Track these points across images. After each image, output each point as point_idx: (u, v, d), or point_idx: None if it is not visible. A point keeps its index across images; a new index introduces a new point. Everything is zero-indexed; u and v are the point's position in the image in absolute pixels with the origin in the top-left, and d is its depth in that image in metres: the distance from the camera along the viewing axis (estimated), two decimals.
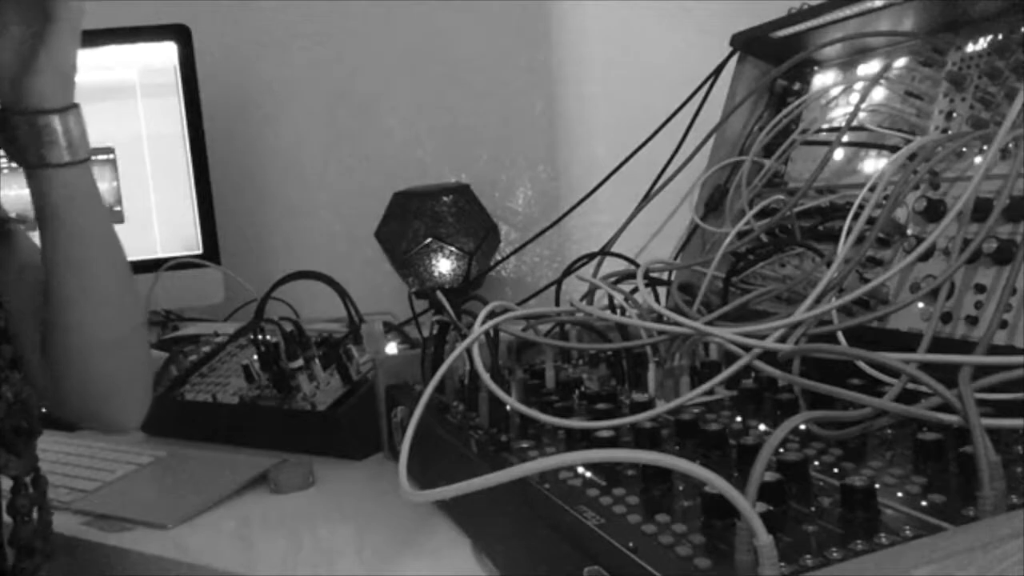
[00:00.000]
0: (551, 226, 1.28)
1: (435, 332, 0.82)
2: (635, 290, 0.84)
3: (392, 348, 1.00)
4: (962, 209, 0.67)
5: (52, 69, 0.67)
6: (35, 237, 0.73)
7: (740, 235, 0.90)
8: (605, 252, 1.00)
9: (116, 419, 0.78)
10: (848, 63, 0.94)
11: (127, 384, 0.77)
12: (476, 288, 1.37)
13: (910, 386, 0.58)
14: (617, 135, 1.17)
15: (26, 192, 0.71)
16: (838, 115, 0.92)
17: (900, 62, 0.87)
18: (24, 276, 0.75)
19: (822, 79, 0.98)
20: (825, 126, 0.92)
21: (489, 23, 1.44)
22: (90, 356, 0.73)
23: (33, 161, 0.68)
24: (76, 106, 0.70)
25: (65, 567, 0.79)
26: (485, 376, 0.69)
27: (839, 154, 0.89)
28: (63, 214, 0.70)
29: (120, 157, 1.41)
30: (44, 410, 0.76)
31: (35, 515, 0.72)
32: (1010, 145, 0.69)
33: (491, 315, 0.75)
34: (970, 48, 0.80)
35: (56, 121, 0.68)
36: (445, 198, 1.34)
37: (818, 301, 0.68)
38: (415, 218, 1.34)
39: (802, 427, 0.60)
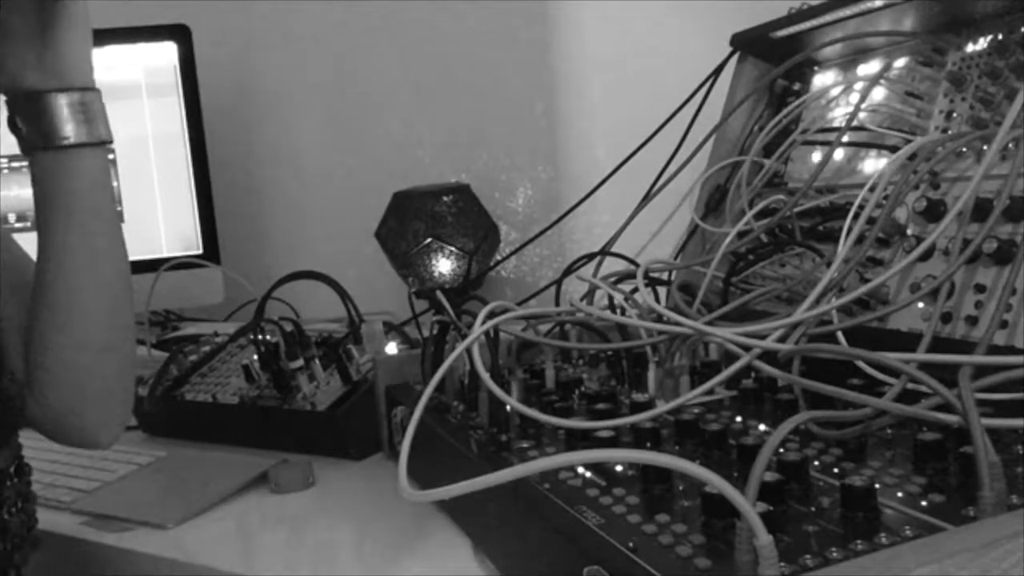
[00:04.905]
0: (551, 226, 1.28)
1: (435, 332, 0.82)
2: (635, 290, 0.84)
3: (392, 348, 1.00)
4: (962, 209, 0.67)
5: (85, 44, 0.67)
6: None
7: (740, 235, 0.90)
8: (605, 252, 1.00)
9: (95, 432, 0.75)
10: (848, 63, 0.94)
11: (112, 393, 0.74)
12: (476, 288, 1.37)
13: (910, 386, 0.58)
14: (617, 135, 1.17)
15: (26, 193, 0.70)
16: (838, 115, 0.92)
17: (900, 62, 0.87)
18: (10, 276, 0.73)
19: (822, 79, 0.98)
20: (825, 126, 0.92)
21: (489, 24, 1.43)
22: (79, 359, 0.71)
23: (63, 139, 0.67)
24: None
25: (64, 567, 0.79)
26: (485, 376, 0.69)
27: (839, 154, 0.89)
28: (85, 200, 0.68)
29: (120, 157, 1.41)
30: None
31: (18, 504, 0.71)
32: (1010, 145, 0.69)
33: (491, 315, 0.75)
34: (970, 48, 0.80)
35: (97, 98, 0.68)
36: (445, 198, 1.34)
37: (818, 301, 0.68)
38: (415, 218, 1.34)
39: (802, 427, 0.60)
